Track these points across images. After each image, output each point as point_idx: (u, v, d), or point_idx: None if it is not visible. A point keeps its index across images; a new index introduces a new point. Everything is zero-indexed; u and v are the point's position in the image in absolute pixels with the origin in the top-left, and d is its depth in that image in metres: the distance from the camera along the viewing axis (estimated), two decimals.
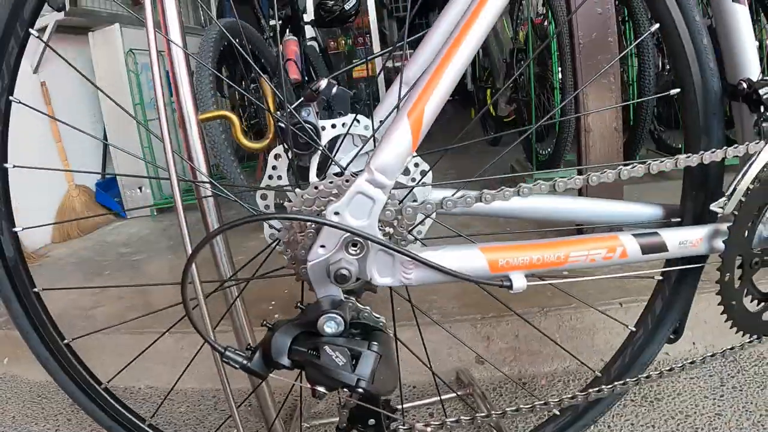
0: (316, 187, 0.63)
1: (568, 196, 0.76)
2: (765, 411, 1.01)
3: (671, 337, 0.84)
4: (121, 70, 2.68)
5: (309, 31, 3.32)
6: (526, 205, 0.74)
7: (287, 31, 3.00)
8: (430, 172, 0.73)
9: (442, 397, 1.13)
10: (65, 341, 0.82)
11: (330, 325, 0.58)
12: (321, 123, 0.70)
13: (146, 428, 0.85)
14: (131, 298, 1.69)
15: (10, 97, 0.71)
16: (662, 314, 0.82)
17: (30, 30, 0.69)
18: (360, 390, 0.56)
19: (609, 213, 0.78)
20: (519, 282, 0.62)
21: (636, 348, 0.83)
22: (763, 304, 0.75)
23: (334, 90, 0.71)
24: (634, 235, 0.66)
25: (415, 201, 0.71)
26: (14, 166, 0.74)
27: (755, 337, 0.76)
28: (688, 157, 0.67)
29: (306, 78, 3.26)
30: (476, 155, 3.28)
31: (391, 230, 0.64)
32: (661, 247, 0.67)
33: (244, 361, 0.60)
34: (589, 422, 0.85)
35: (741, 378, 1.11)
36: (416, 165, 0.72)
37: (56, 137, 2.59)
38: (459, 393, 1.13)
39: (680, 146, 2.32)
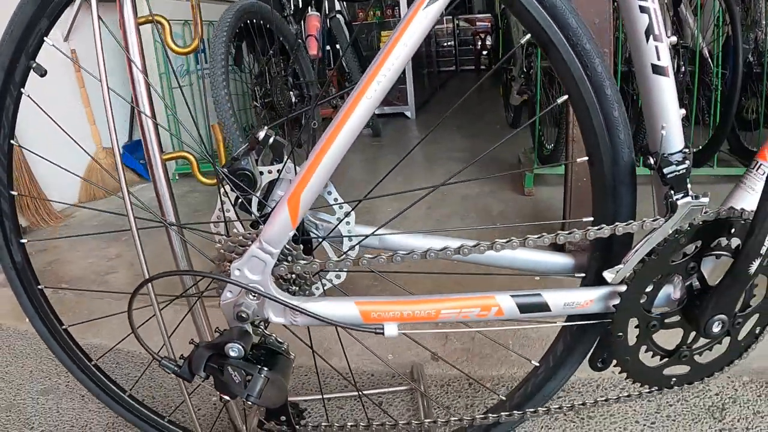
0: (231, 242, 0.75)
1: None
2: None
3: (599, 365, 0.86)
4: (147, 39, 2.79)
5: (337, 5, 3.37)
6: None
7: (310, 5, 3.04)
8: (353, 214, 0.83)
9: (395, 389, 1.25)
10: (63, 327, 1.02)
11: (233, 351, 0.73)
12: (259, 169, 0.81)
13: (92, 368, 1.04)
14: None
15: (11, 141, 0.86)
16: (563, 356, 0.90)
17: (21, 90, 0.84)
18: (250, 403, 0.72)
19: (527, 261, 0.86)
20: (390, 330, 0.74)
21: (538, 381, 0.92)
22: (666, 359, 0.82)
23: (271, 140, 0.81)
24: (512, 295, 0.75)
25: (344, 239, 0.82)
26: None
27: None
28: (599, 228, 0.74)
29: (329, 51, 3.30)
30: (491, 136, 3.36)
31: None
32: (543, 308, 0.76)
33: (176, 369, 0.76)
34: None
35: (679, 408, 1.16)
36: (340, 207, 0.83)
37: (85, 102, 2.74)
38: (403, 388, 1.25)
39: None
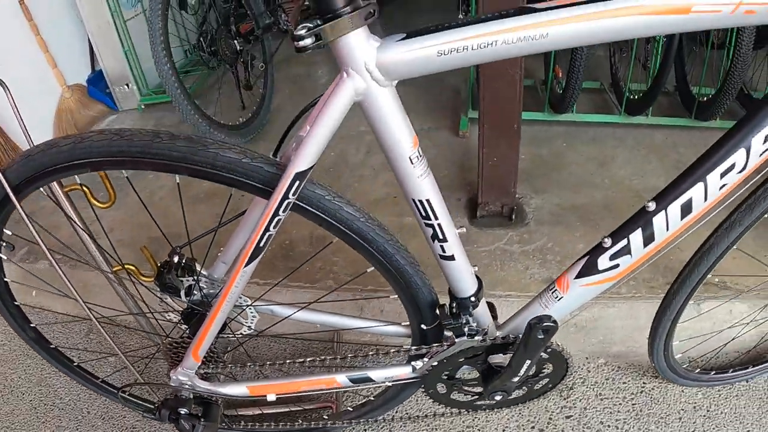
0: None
1: (346, 317, 1.17)
2: None
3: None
4: None
5: None
6: (316, 319, 1.16)
7: None
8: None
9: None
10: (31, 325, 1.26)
11: (183, 410, 1.10)
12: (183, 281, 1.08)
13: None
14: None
15: None
16: (393, 394, 1.28)
17: None
18: None
19: (374, 328, 1.17)
20: (271, 397, 1.10)
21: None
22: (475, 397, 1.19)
23: (182, 260, 1.09)
24: (347, 376, 1.10)
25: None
26: None
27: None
28: (417, 349, 1.08)
29: None
30: None
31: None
32: (369, 380, 1.11)
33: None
34: None
35: None
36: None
37: (43, 48, 2.85)
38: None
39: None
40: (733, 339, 1.52)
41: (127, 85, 3.12)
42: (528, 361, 1.06)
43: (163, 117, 2.96)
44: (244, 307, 1.12)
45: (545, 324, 0.98)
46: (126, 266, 1.20)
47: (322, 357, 1.07)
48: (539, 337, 0.99)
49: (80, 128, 3.03)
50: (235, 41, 2.62)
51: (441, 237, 0.94)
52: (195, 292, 1.07)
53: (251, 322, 1.15)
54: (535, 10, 0.70)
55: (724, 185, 0.85)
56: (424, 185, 0.88)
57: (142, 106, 3.16)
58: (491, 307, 1.17)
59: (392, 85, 0.79)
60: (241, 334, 1.13)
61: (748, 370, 1.46)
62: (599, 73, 2.78)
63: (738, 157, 0.82)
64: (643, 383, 1.52)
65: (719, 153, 0.83)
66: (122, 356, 1.21)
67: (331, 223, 0.96)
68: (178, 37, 2.93)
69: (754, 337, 1.57)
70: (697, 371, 1.44)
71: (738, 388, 1.49)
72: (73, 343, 1.81)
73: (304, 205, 0.93)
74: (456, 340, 1.06)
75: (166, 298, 1.10)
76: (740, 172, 0.84)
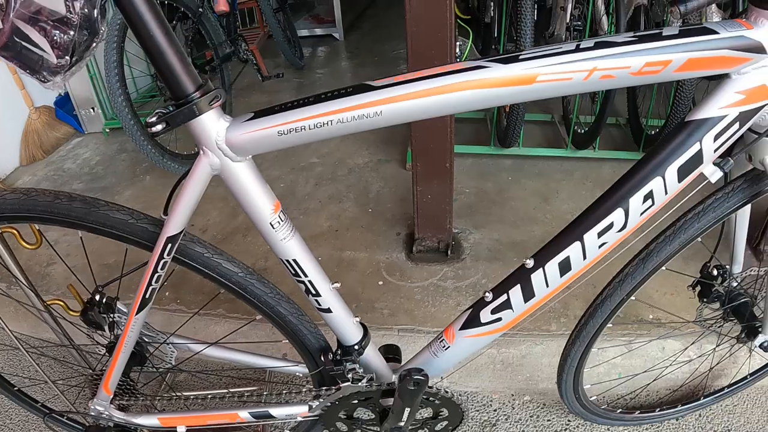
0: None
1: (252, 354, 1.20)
2: None
3: None
4: None
5: None
6: (225, 356, 1.19)
7: None
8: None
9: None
10: None
11: None
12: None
13: None
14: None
15: None
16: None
17: None
18: None
19: (282, 368, 1.21)
20: (181, 429, 1.11)
21: None
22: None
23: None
24: (249, 412, 1.13)
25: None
26: None
27: None
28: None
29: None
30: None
31: None
32: (270, 416, 1.14)
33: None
34: None
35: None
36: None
37: (11, 70, 2.89)
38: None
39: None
40: (658, 377, 1.53)
41: (93, 108, 3.16)
42: (408, 409, 1.08)
43: (126, 142, 3.00)
44: (161, 343, 1.17)
45: (415, 377, 1.01)
46: (55, 302, 1.26)
47: (224, 392, 1.13)
48: (410, 388, 1.02)
49: (47, 149, 3.07)
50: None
51: (314, 292, 0.98)
52: (117, 327, 1.11)
53: (170, 357, 1.19)
54: (373, 89, 0.74)
55: (603, 244, 0.86)
56: (288, 247, 0.91)
57: (107, 131, 3.21)
58: (395, 350, 1.20)
59: (247, 159, 0.83)
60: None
61: (677, 409, 1.46)
62: (552, 105, 2.82)
63: (616, 216, 0.84)
64: (568, 421, 1.54)
65: (596, 212, 0.85)
66: (51, 384, 1.26)
67: (213, 276, 1.02)
68: (146, 61, 2.98)
69: (686, 374, 1.59)
70: (618, 411, 1.44)
71: (668, 426, 1.50)
72: (14, 370, 1.83)
73: (186, 261, 0.99)
74: (341, 384, 1.09)
75: (93, 332, 1.14)
76: (620, 231, 0.85)
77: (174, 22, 2.74)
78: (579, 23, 2.35)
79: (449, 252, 1.96)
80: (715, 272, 1.23)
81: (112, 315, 1.09)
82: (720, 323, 1.34)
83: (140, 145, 2.38)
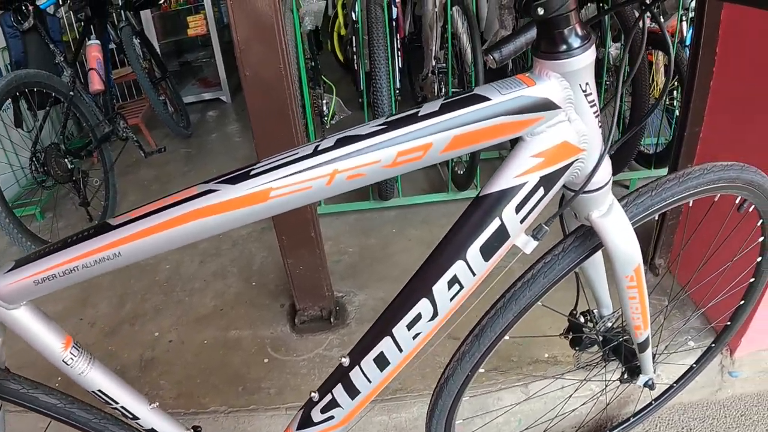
0: None
1: None
2: None
3: None
4: None
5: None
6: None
7: (91, 33, 2.98)
8: None
9: None
10: None
11: None
12: None
13: None
14: None
15: None
16: None
17: None
18: None
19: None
20: None
21: None
22: None
23: None
24: None
25: None
26: None
27: None
28: None
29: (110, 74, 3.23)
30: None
31: None
32: None
33: None
34: None
35: None
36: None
37: None
38: None
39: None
40: (561, 416, 1.51)
41: None
42: None
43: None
44: None
45: None
46: None
47: None
48: None
49: None
50: (66, 159, 2.58)
51: (131, 416, 0.94)
52: None
53: None
54: (111, 228, 0.70)
55: (417, 334, 0.82)
56: (89, 379, 0.88)
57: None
58: None
59: (24, 305, 0.80)
60: None
61: None
62: None
63: (422, 307, 0.79)
64: None
65: (402, 305, 0.81)
66: None
67: (35, 408, 0.95)
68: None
69: (590, 409, 1.58)
70: None
71: None
72: None
73: (7, 397, 0.93)
74: None
75: None
76: (432, 320, 0.80)
77: (47, 107, 2.67)
78: (444, 65, 2.39)
79: (333, 319, 1.95)
80: (582, 319, 1.21)
81: None
82: (604, 364, 1.34)
83: (14, 239, 2.27)
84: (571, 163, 0.73)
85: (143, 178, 3.22)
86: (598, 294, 1.16)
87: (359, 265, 2.24)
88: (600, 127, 0.76)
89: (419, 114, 0.66)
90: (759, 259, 1.17)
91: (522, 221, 0.75)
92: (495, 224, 0.74)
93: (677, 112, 2.14)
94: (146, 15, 3.96)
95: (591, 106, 0.72)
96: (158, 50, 3.85)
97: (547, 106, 0.67)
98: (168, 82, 3.60)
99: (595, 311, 1.22)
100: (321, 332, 1.94)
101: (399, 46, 2.40)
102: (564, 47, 0.66)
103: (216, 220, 0.68)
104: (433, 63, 2.37)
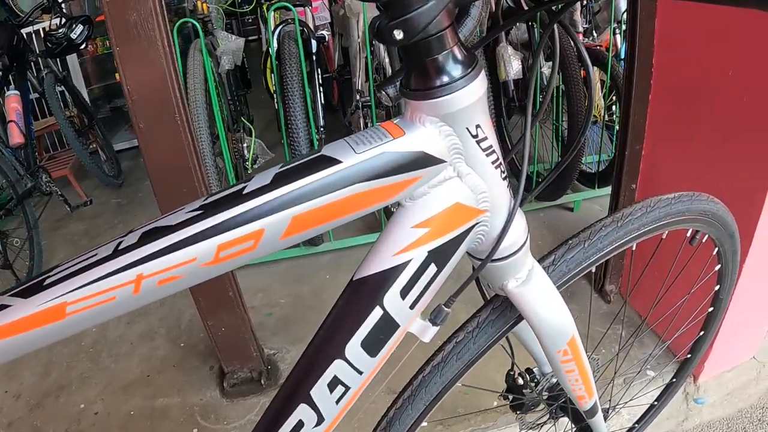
0: None
1: None
2: None
3: None
4: None
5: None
6: None
7: (10, 84, 2.86)
8: None
9: None
10: None
11: None
12: None
13: None
14: None
15: None
16: None
17: None
18: None
19: None
20: None
21: None
22: None
23: None
24: None
25: None
26: None
27: None
28: None
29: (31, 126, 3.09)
30: None
31: None
32: None
33: None
34: None
35: None
36: None
37: None
38: None
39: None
40: None
41: None
42: None
43: None
44: None
45: None
46: None
47: None
48: None
49: None
50: None
51: None
52: None
53: None
54: None
55: None
56: None
57: None
58: None
59: None
60: None
61: None
62: None
63: (303, 413, 0.63)
64: None
65: (279, 411, 0.65)
66: None
67: None
68: None
69: None
70: None
71: None
72: None
73: None
74: None
75: None
76: (319, 425, 0.64)
77: None
78: (367, 98, 2.30)
79: (263, 380, 1.82)
80: (521, 380, 1.05)
81: None
82: (553, 421, 1.21)
83: None
84: (470, 228, 0.58)
85: (72, 232, 3.04)
86: (535, 353, 1.01)
87: (291, 316, 2.12)
88: (505, 178, 0.60)
89: (244, 192, 0.50)
90: (717, 287, 1.05)
91: (412, 306, 0.60)
92: (376, 314, 0.59)
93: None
94: (73, 60, 3.80)
95: (488, 155, 0.57)
96: (86, 97, 3.70)
97: (425, 161, 0.52)
98: (98, 129, 3.46)
99: (535, 369, 1.07)
100: (252, 395, 1.81)
101: (320, 81, 2.29)
102: (438, 81, 0.51)
103: (9, 343, 0.51)
104: (357, 97, 2.28)
